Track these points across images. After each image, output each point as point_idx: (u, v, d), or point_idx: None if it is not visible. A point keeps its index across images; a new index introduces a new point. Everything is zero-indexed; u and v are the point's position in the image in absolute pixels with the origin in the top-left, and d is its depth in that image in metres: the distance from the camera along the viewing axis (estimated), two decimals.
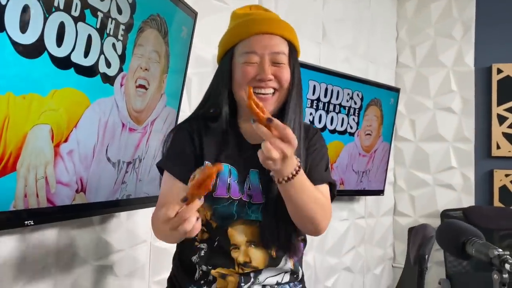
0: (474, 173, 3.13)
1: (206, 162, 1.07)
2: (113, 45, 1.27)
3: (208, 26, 1.91)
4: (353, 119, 2.70)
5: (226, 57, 1.09)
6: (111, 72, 1.28)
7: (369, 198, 3.06)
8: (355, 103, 2.69)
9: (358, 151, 2.78)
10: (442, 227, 1.04)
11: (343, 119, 2.63)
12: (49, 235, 1.32)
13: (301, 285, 1.16)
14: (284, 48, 1.07)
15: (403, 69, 3.30)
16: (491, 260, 0.85)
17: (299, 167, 0.94)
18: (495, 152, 3.10)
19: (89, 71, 1.20)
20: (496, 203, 3.07)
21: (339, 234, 2.83)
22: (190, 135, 1.09)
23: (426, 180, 3.21)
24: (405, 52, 3.31)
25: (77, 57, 1.15)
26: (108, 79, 1.28)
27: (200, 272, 1.09)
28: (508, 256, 0.83)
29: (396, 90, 3.02)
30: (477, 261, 2.78)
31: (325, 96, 2.51)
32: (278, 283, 1.10)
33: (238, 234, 1.07)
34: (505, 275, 0.83)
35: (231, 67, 1.08)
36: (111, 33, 1.25)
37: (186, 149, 1.08)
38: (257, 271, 1.08)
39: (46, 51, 1.05)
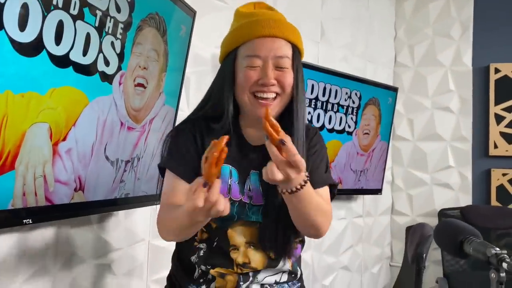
0: (471, 172, 3.14)
1: None
2: (112, 43, 1.27)
3: (207, 25, 1.90)
4: (351, 118, 2.70)
5: (229, 59, 1.08)
6: (109, 70, 1.28)
7: (367, 197, 3.07)
8: (353, 102, 2.69)
9: (356, 150, 2.79)
10: (440, 226, 1.04)
11: (341, 118, 2.64)
12: (48, 234, 1.32)
13: (299, 284, 1.17)
14: (288, 52, 1.05)
15: (401, 69, 3.31)
16: (488, 259, 0.85)
17: (305, 182, 0.93)
18: (492, 152, 3.11)
19: (88, 70, 1.20)
20: (494, 202, 3.08)
21: (337, 233, 2.84)
22: (192, 135, 1.08)
23: (423, 179, 3.22)
24: (403, 51, 3.31)
25: (76, 56, 1.15)
26: (107, 78, 1.28)
27: (199, 271, 1.09)
28: (505, 255, 0.84)
29: (394, 90, 3.02)
30: (474, 260, 2.80)
31: (323, 95, 2.51)
32: (276, 282, 1.11)
33: (237, 235, 1.07)
34: (503, 274, 0.83)
35: (234, 69, 1.06)
36: (110, 32, 1.25)
37: (189, 148, 1.07)
38: (256, 271, 1.08)
39: (44, 50, 1.05)
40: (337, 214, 2.82)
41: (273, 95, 1.04)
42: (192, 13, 1.65)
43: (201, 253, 1.08)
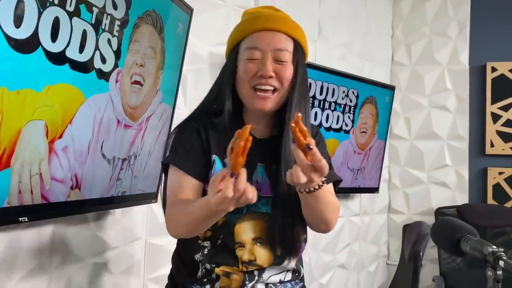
0: (468, 171, 3.15)
1: (213, 155, 1.06)
2: (108, 40, 1.26)
3: (204, 23, 1.90)
4: (349, 116, 2.70)
5: (232, 54, 1.09)
6: (106, 68, 1.27)
7: (364, 195, 3.07)
8: (351, 101, 2.70)
9: (353, 149, 2.79)
10: (437, 224, 1.04)
11: (338, 116, 2.64)
12: (44, 232, 1.31)
13: (302, 283, 1.17)
14: (288, 46, 1.05)
15: (399, 67, 3.31)
16: (485, 257, 0.85)
17: (323, 182, 0.95)
18: (489, 150, 3.12)
19: (84, 67, 1.19)
20: (490, 200, 3.09)
21: (334, 231, 2.84)
22: (196, 130, 1.08)
23: (420, 178, 3.22)
24: (400, 50, 3.32)
25: (72, 53, 1.14)
26: (103, 75, 1.27)
27: (203, 270, 1.08)
28: (502, 253, 0.84)
29: (391, 88, 3.02)
30: (471, 258, 2.81)
31: (321, 93, 2.51)
32: (280, 281, 1.11)
33: (244, 232, 1.07)
34: (499, 272, 0.83)
35: (236, 63, 1.07)
36: (107, 29, 1.24)
37: (194, 144, 1.07)
38: (261, 269, 1.08)
39: (40, 46, 1.04)
40: None
41: (271, 88, 1.04)
42: (189, 10, 1.65)
43: (205, 251, 1.08)
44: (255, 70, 1.03)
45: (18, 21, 0.97)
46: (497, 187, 3.09)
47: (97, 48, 1.22)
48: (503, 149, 3.10)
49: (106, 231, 1.57)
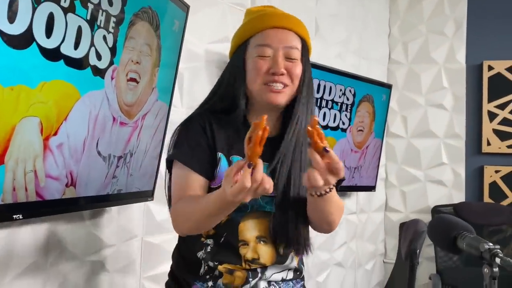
0: (464, 169, 3.15)
1: (219, 153, 1.06)
2: (104, 37, 1.25)
3: (200, 20, 1.89)
4: (345, 115, 2.70)
5: (240, 51, 1.09)
6: (101, 64, 1.26)
7: (361, 194, 3.07)
8: (348, 99, 2.69)
9: (350, 147, 2.79)
10: (434, 221, 1.04)
11: (335, 115, 2.64)
12: (39, 230, 1.30)
13: (302, 282, 1.18)
14: (298, 44, 1.07)
15: (395, 66, 3.31)
16: (481, 254, 0.85)
17: (334, 185, 0.96)
18: (485, 149, 3.13)
19: (79, 64, 1.18)
20: (486, 199, 3.10)
21: None
22: (202, 127, 1.08)
23: (417, 176, 3.23)
24: (397, 48, 3.32)
25: (67, 49, 1.13)
26: (99, 72, 1.26)
27: (206, 267, 1.08)
28: (498, 250, 0.84)
29: (388, 87, 3.03)
30: (467, 256, 2.82)
31: (318, 91, 2.51)
32: (283, 280, 1.11)
33: (248, 230, 1.07)
34: (496, 269, 0.83)
35: (245, 60, 1.07)
36: (102, 25, 1.23)
37: (199, 141, 1.06)
38: (264, 267, 1.08)
39: (34, 42, 1.03)
40: None
41: (282, 85, 1.05)
42: (185, 7, 1.64)
43: (208, 249, 1.07)
44: (267, 67, 1.04)
45: (12, 16, 0.97)
46: (493, 185, 3.10)
47: (92, 44, 1.21)
48: (500, 148, 3.11)
49: (102, 229, 1.56)
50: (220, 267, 1.06)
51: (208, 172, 1.05)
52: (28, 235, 1.27)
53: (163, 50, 1.54)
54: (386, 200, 3.32)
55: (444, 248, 0.98)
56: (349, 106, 2.72)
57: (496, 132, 3.12)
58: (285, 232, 1.07)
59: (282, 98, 1.06)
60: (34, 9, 1.01)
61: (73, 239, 1.43)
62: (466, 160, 3.16)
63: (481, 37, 3.17)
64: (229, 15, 2.03)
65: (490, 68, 3.14)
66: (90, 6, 1.18)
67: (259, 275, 1.08)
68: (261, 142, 0.83)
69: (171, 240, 1.55)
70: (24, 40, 1.01)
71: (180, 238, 1.15)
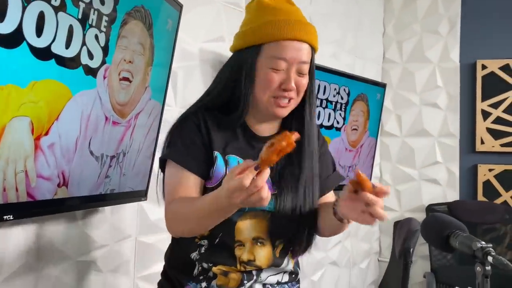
0: (458, 168, 3.17)
1: (215, 152, 1.05)
2: (96, 36, 1.24)
3: (194, 19, 1.88)
4: (340, 114, 2.70)
5: (251, 53, 1.05)
6: (93, 64, 1.25)
7: None
8: (342, 98, 2.70)
9: (345, 146, 2.79)
10: (427, 220, 1.05)
11: (329, 114, 2.64)
12: (30, 230, 1.29)
13: (298, 285, 1.17)
14: (309, 57, 1.06)
15: (390, 65, 3.32)
16: (474, 253, 0.85)
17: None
18: (479, 147, 3.14)
19: (71, 63, 1.17)
20: (480, 197, 3.12)
21: None
22: (196, 125, 1.07)
23: (411, 175, 3.24)
24: (391, 47, 3.32)
25: (58, 48, 1.12)
26: (91, 71, 1.25)
27: (200, 268, 1.07)
28: (490, 249, 0.84)
29: (383, 86, 3.03)
30: (461, 255, 2.83)
31: None
32: (278, 282, 1.10)
33: (245, 230, 1.06)
34: (488, 267, 0.83)
35: (255, 65, 1.05)
36: (94, 24, 1.22)
37: (194, 140, 1.05)
38: (259, 270, 1.07)
39: (25, 41, 1.02)
40: None
41: (288, 100, 1.06)
42: (178, 6, 1.63)
43: (203, 250, 1.06)
44: (279, 82, 1.03)
45: (1, 15, 0.95)
46: (487, 184, 3.12)
47: (84, 43, 1.20)
48: (493, 146, 3.12)
49: (95, 229, 1.55)
50: (215, 269, 1.05)
51: (204, 171, 1.04)
52: (19, 236, 1.25)
53: (156, 49, 1.53)
54: None
55: (437, 246, 0.99)
56: (344, 105, 2.72)
57: (489, 130, 3.13)
58: (283, 232, 1.07)
59: (287, 112, 1.07)
60: (24, 8, 1.00)
61: (65, 240, 1.42)
62: (460, 158, 3.17)
63: (475, 36, 3.19)
64: (223, 14, 2.02)
65: (484, 67, 3.16)
66: (82, 5, 1.17)
67: (254, 277, 1.07)
68: (279, 153, 0.82)
69: (165, 239, 1.54)
70: (13, 39, 0.99)
71: (173, 238, 1.14)
